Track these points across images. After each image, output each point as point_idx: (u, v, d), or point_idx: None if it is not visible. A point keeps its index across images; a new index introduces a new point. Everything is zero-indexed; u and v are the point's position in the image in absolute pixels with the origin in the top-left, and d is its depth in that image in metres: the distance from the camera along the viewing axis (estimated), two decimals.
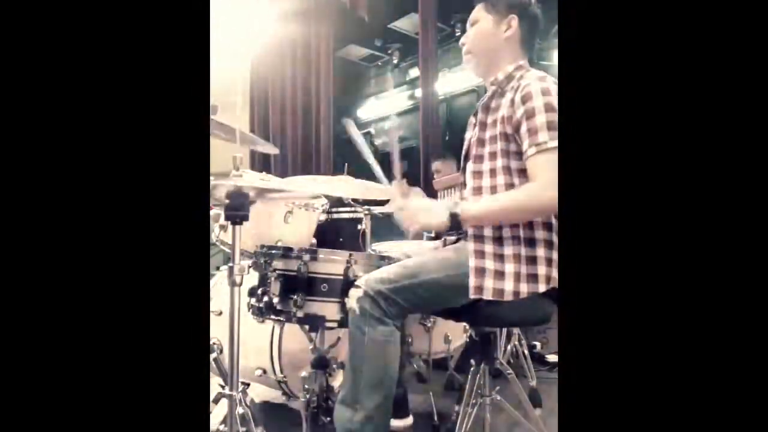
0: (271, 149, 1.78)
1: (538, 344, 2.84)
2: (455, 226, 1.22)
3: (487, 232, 1.24)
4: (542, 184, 1.15)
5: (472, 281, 1.21)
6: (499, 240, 1.23)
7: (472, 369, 1.47)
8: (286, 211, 1.97)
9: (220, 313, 1.92)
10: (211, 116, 1.44)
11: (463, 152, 1.41)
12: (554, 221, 1.24)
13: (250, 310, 1.58)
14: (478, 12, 1.39)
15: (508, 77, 1.32)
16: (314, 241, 2.19)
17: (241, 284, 1.33)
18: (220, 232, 2.00)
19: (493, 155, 1.27)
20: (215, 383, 1.60)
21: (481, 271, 1.22)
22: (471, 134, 1.38)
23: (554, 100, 1.18)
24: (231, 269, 1.31)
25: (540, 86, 1.20)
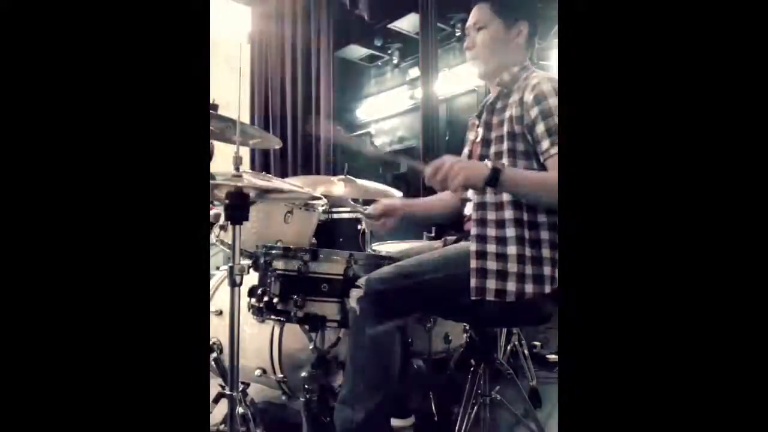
0: (273, 142, 1.78)
1: (538, 344, 2.84)
2: (493, 183, 1.13)
3: (490, 232, 1.24)
4: None
5: (474, 282, 1.21)
6: (502, 240, 1.22)
7: (472, 369, 1.46)
8: (286, 211, 1.97)
9: (220, 313, 1.92)
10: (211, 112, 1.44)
11: (465, 153, 1.41)
12: None
13: (250, 310, 1.58)
14: (483, 14, 1.35)
15: (514, 78, 1.32)
16: (314, 241, 2.19)
17: (241, 284, 1.33)
18: (220, 232, 2.00)
19: (498, 155, 1.27)
20: (215, 383, 1.60)
21: (482, 272, 1.21)
22: (473, 135, 1.38)
23: None
24: (231, 269, 1.31)
25: (552, 86, 1.20)
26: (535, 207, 1.22)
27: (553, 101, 1.18)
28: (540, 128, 1.19)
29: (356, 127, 6.92)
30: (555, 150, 1.16)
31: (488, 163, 1.14)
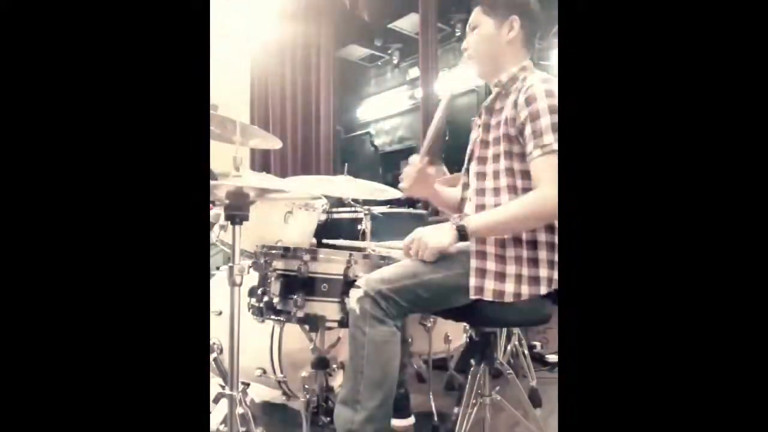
0: (273, 142, 1.78)
1: (538, 344, 2.83)
2: (464, 239, 1.22)
3: None
4: (547, 188, 1.14)
5: (473, 281, 1.21)
6: (501, 241, 1.23)
7: (472, 369, 1.46)
8: (286, 211, 1.97)
9: (220, 313, 1.92)
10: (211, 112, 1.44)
11: (467, 153, 1.41)
12: (557, 223, 1.24)
13: (250, 310, 1.58)
14: (477, 16, 1.37)
15: (512, 78, 1.31)
16: (314, 241, 2.19)
17: (241, 284, 1.33)
18: (220, 232, 2.00)
19: (496, 157, 1.27)
20: (215, 383, 1.60)
21: (481, 272, 1.22)
22: (475, 135, 1.38)
23: None
24: (231, 269, 1.31)
25: (544, 88, 1.19)
26: None
27: (542, 103, 1.17)
28: (527, 130, 1.19)
29: (356, 127, 6.93)
30: (537, 153, 1.16)
31: (452, 225, 1.22)
